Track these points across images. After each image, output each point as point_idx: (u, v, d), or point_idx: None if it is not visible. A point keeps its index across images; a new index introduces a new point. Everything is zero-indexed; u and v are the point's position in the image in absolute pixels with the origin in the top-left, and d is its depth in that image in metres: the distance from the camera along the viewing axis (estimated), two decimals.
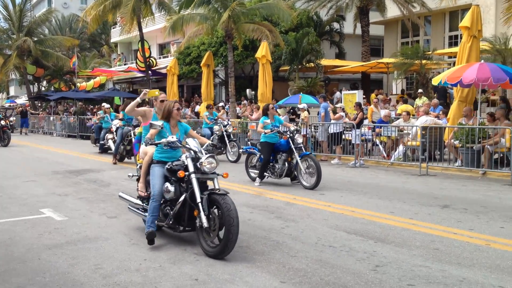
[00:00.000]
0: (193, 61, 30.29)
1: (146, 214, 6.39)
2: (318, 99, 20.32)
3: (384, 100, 20.76)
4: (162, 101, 7.46)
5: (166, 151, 6.35)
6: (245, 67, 31.59)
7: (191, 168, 5.98)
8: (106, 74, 40.09)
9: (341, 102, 19.70)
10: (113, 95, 35.43)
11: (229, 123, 16.61)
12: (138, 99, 7.22)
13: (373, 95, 22.71)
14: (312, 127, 16.69)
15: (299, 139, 10.68)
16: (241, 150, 15.02)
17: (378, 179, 12.02)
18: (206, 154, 6.11)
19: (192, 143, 6.28)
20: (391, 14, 28.17)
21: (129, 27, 28.66)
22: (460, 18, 23.11)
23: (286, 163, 10.79)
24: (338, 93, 24.64)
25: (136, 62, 34.49)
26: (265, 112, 11.12)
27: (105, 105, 20.37)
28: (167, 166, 6.27)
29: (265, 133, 10.78)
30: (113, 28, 44.12)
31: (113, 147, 16.37)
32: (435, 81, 14.62)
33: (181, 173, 5.99)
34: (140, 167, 7.11)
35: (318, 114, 16.97)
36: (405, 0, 25.83)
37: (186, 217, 6.04)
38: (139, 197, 6.96)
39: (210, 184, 6.20)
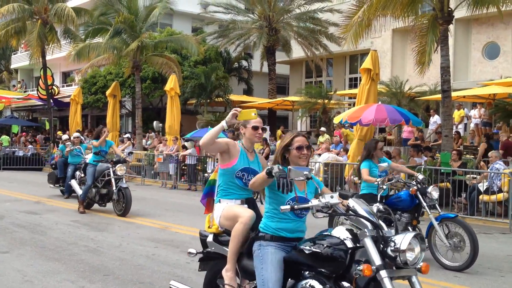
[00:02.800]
0: (99, 91, 29.52)
1: None
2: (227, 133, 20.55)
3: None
4: (256, 127, 4.54)
5: (284, 218, 3.73)
6: (153, 99, 31.31)
7: (377, 260, 3.23)
8: (4, 101, 37.86)
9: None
10: (11, 123, 33.51)
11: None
12: (223, 124, 4.34)
13: (279, 131, 23.33)
14: None
15: (435, 194, 7.31)
16: None
17: None
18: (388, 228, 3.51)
19: (359, 207, 3.53)
20: (296, 55, 29.35)
21: (37, 54, 27.34)
22: (359, 61, 24.54)
23: (409, 228, 7.28)
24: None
25: (38, 90, 32.97)
26: (370, 153, 7.70)
27: (75, 134, 14.68)
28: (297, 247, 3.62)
29: (377, 183, 7.34)
30: (14, 54, 42.06)
31: (78, 190, 12.09)
32: (336, 120, 15.31)
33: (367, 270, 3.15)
34: (218, 239, 4.38)
35: None
36: (308, 43, 27.07)
37: None
38: None
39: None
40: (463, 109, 20.13)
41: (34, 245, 7.85)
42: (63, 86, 36.75)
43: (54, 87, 33.51)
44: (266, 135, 19.86)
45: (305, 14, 27.77)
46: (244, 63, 33.12)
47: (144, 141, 23.75)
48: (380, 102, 15.02)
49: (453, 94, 17.55)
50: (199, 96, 26.85)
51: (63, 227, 9.47)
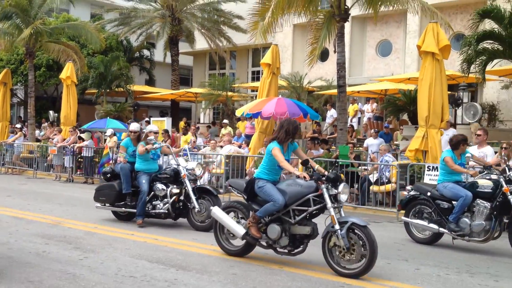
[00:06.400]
0: None
1: None
2: (126, 124, 20.01)
3: (194, 128, 21.24)
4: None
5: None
6: (48, 88, 29.77)
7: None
8: None
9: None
10: None
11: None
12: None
13: (182, 123, 23.13)
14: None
15: None
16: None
17: None
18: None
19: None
20: (200, 46, 29.22)
21: None
22: (261, 55, 24.88)
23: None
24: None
25: None
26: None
27: (153, 128, 10.21)
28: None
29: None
30: None
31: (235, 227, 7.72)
32: (238, 112, 15.45)
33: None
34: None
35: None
36: (212, 34, 27.04)
37: None
38: None
39: None
40: (357, 104, 21.15)
41: None
42: None
43: None
44: (168, 126, 19.60)
45: (209, 5, 27.72)
46: (146, 52, 32.42)
47: (37, 131, 22.52)
48: (280, 96, 15.35)
49: (348, 89, 18.40)
50: (98, 85, 25.92)
51: None
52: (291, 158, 8.29)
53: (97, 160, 16.40)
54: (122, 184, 9.42)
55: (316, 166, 6.64)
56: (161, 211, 9.06)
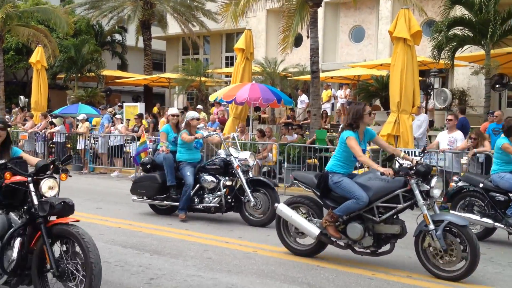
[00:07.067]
0: None
1: None
2: (99, 110, 19.79)
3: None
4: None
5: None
6: (18, 72, 29.14)
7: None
8: None
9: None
10: None
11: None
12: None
13: (155, 108, 22.96)
14: (92, 139, 16.11)
15: None
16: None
17: None
18: None
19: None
20: (173, 30, 28.91)
21: None
22: (235, 40, 24.78)
23: None
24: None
25: None
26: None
27: (195, 114, 9.15)
28: None
29: None
30: None
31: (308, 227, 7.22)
32: (212, 98, 15.42)
33: None
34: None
35: (101, 125, 16.50)
36: (185, 19, 26.76)
37: None
38: None
39: None
40: (331, 90, 21.30)
41: None
42: None
43: None
44: (142, 111, 19.44)
45: None
46: (118, 37, 31.94)
47: (7, 117, 22.07)
48: (254, 81, 15.36)
49: (322, 75, 18.49)
50: (69, 70, 25.47)
51: None
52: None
53: (69, 145, 16.20)
54: (166, 175, 8.66)
55: (402, 154, 6.15)
56: (211, 205, 8.34)
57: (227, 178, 8.43)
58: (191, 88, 25.05)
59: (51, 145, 16.79)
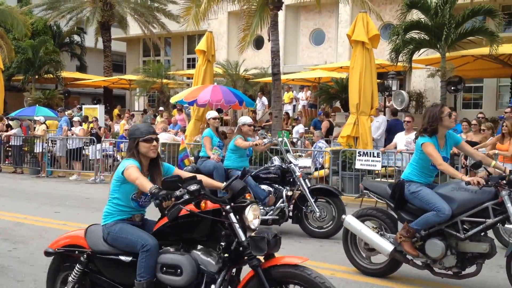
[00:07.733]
0: None
1: None
2: (56, 112, 19.38)
3: (128, 116, 20.86)
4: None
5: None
6: None
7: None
8: None
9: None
10: None
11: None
12: None
13: (116, 111, 22.65)
14: (50, 142, 15.76)
15: None
16: None
17: None
18: None
19: None
20: (133, 32, 28.60)
21: None
22: (197, 42, 24.71)
23: None
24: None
25: None
26: None
27: (247, 120, 8.39)
28: None
29: None
30: None
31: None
32: (173, 100, 15.33)
33: None
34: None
35: (59, 128, 16.16)
36: (145, 20, 26.52)
37: None
38: None
39: None
40: (292, 92, 21.50)
41: None
42: None
43: None
44: (101, 114, 19.16)
45: None
46: (77, 38, 31.38)
47: None
48: (216, 83, 15.35)
49: (283, 77, 18.64)
50: (26, 72, 24.86)
51: None
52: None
53: (26, 149, 15.81)
54: None
55: (493, 163, 5.35)
56: (270, 217, 7.45)
57: (287, 188, 7.68)
58: (152, 90, 24.84)
59: (7, 148, 16.38)
